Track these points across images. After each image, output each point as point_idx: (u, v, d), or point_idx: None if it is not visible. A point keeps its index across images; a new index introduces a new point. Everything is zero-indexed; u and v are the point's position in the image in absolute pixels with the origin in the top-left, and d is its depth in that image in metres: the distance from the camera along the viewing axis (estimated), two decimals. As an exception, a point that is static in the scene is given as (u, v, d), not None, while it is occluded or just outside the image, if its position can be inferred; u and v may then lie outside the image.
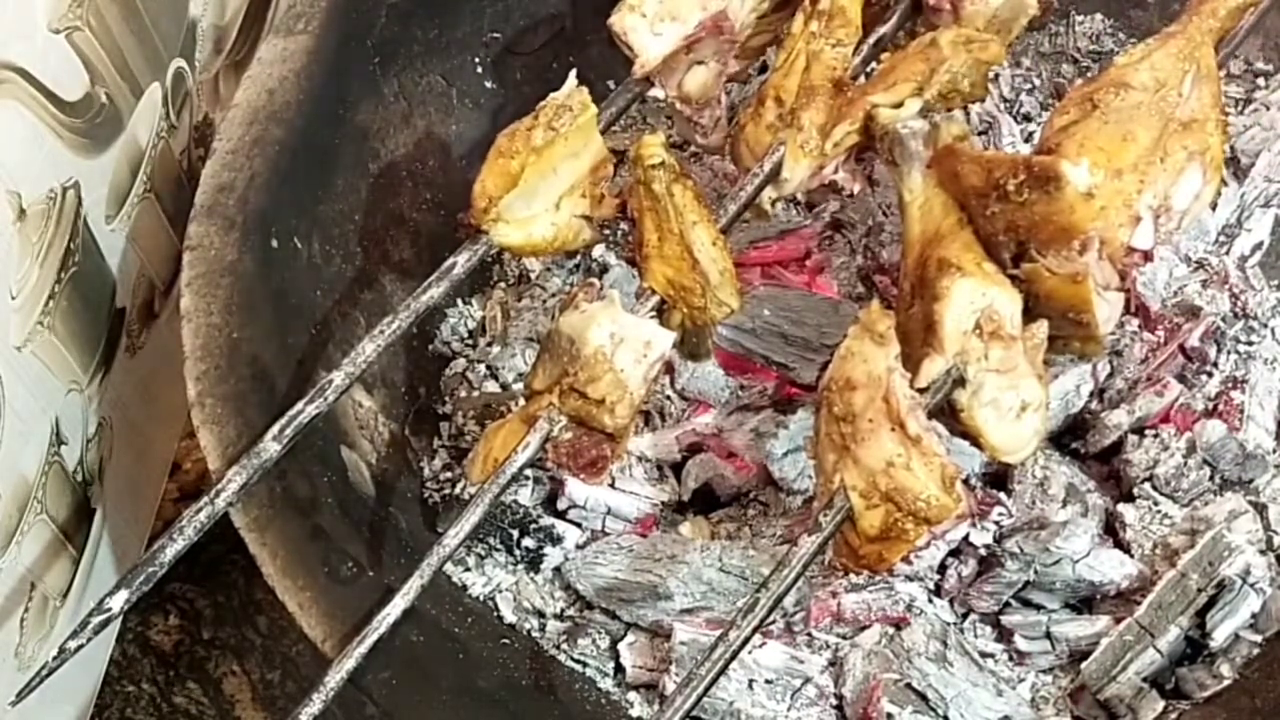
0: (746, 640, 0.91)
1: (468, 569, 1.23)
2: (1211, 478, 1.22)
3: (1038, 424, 0.98)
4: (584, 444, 1.00)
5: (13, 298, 1.05)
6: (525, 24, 1.47)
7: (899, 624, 1.17)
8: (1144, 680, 1.12)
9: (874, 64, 1.11)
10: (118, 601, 0.90)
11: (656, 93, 1.13)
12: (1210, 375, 1.27)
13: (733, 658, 0.90)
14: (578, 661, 1.19)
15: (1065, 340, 1.00)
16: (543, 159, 1.03)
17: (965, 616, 1.19)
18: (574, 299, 1.01)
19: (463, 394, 1.34)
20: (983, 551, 1.18)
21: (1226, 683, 1.12)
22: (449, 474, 1.29)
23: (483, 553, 1.24)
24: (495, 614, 1.21)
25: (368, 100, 1.32)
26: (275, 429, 0.97)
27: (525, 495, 1.26)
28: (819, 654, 1.17)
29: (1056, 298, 0.97)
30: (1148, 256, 1.02)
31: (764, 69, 1.39)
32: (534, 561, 1.23)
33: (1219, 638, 1.12)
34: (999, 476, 1.23)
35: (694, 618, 1.17)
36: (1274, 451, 1.25)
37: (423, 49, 1.39)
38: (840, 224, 1.40)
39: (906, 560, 1.09)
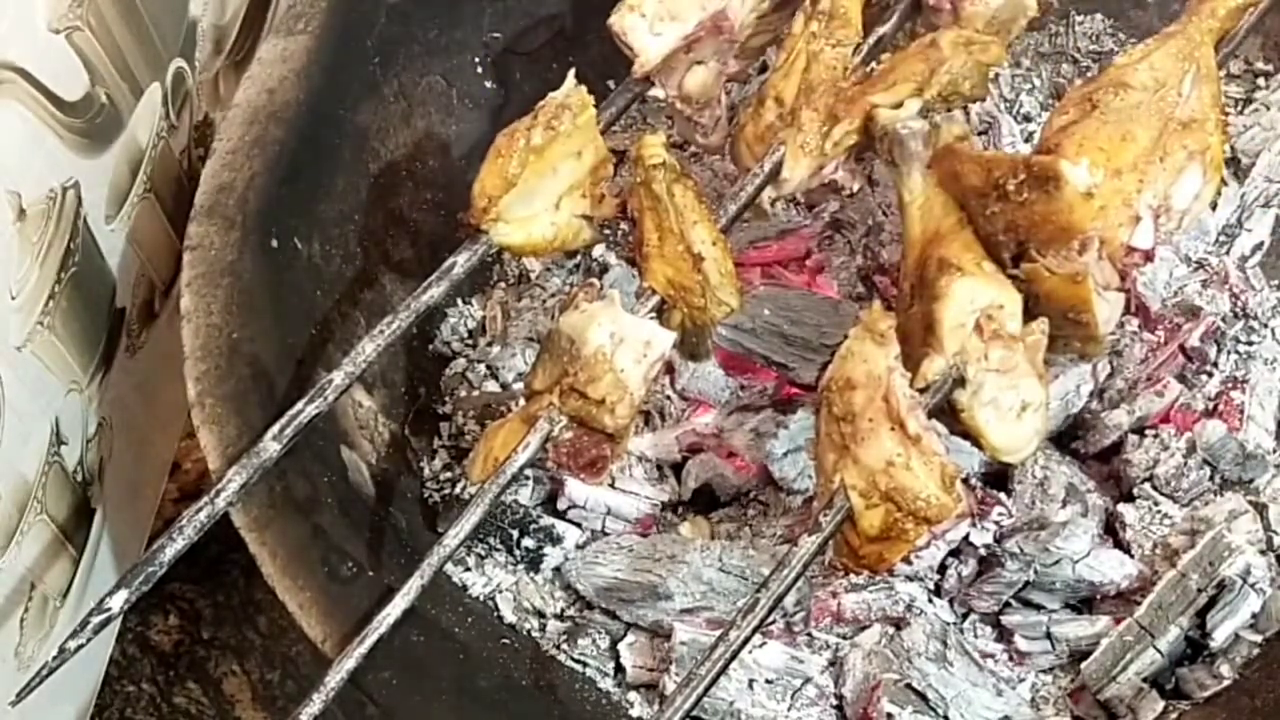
0: (746, 640, 0.91)
1: (468, 569, 1.23)
2: (1211, 478, 1.22)
3: (1038, 424, 0.98)
4: (584, 444, 1.00)
5: (13, 298, 1.05)
6: (525, 24, 1.47)
7: (899, 624, 1.17)
8: (1144, 680, 1.12)
9: (874, 64, 1.11)
10: (117, 601, 0.90)
11: (656, 93, 1.13)
12: (1210, 375, 1.27)
13: (733, 658, 0.90)
14: (578, 661, 1.19)
15: (1065, 340, 1.00)
16: (543, 159, 1.03)
17: (965, 616, 1.19)
18: (574, 299, 1.01)
19: (463, 394, 1.34)
20: (983, 551, 1.18)
21: (1226, 683, 1.12)
22: (449, 474, 1.29)
23: (483, 553, 1.24)
24: (495, 614, 1.21)
25: (368, 100, 1.32)
26: (275, 429, 0.97)
27: (525, 495, 1.26)
28: (819, 654, 1.17)
29: (1056, 298, 0.97)
30: (1148, 256, 1.02)
31: (764, 69, 1.39)
32: (534, 561, 1.23)
33: (1219, 638, 1.12)
34: (999, 476, 1.23)
35: (694, 618, 1.17)
36: (1274, 451, 1.25)
37: (423, 49, 1.39)
38: (840, 224, 1.40)
39: (906, 560, 1.09)
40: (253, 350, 1.11)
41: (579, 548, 1.24)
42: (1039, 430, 0.99)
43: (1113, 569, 1.16)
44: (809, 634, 1.18)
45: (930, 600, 1.19)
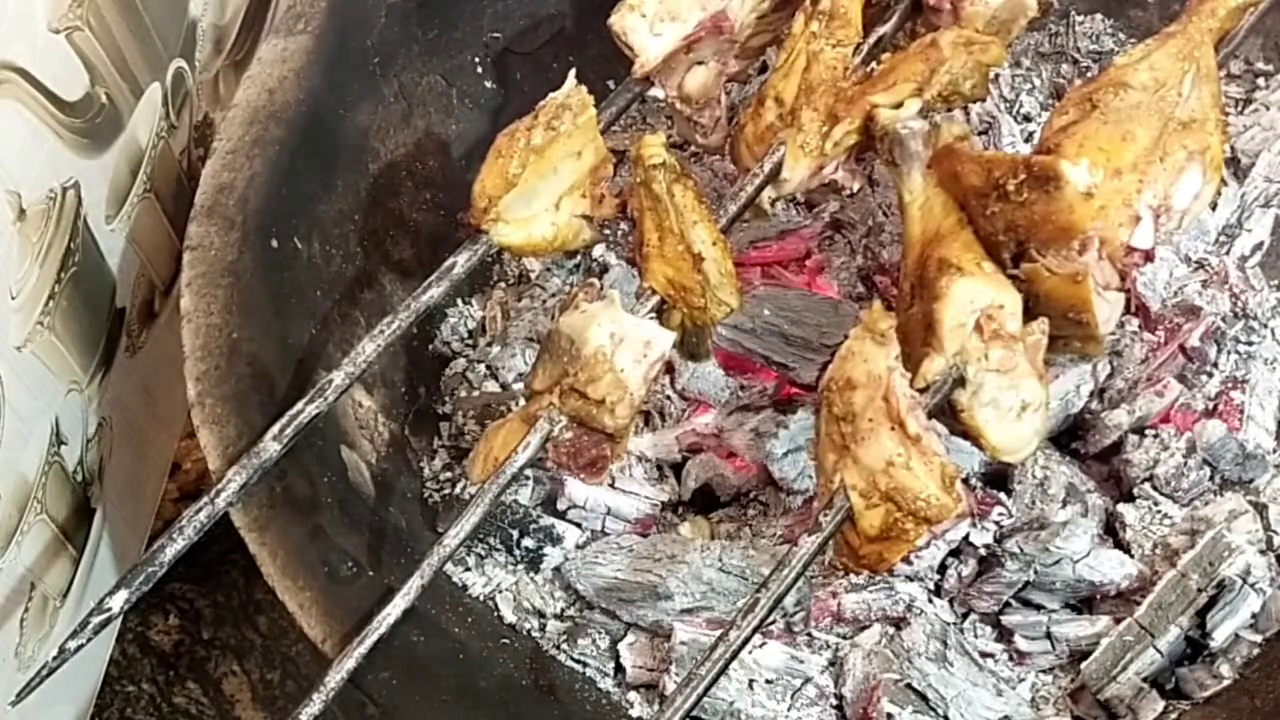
0: (746, 640, 0.91)
1: (468, 569, 1.23)
2: (1211, 478, 1.22)
3: (1038, 424, 0.98)
4: (584, 444, 1.00)
5: (13, 298, 1.05)
6: (525, 24, 1.47)
7: (899, 624, 1.17)
8: (1144, 680, 1.12)
9: (874, 64, 1.11)
10: (118, 601, 0.90)
11: (656, 93, 1.13)
12: (1210, 375, 1.27)
13: (733, 658, 0.90)
14: (578, 661, 1.19)
15: (1065, 340, 1.00)
16: (543, 159, 1.03)
17: (965, 616, 1.19)
18: (574, 299, 1.01)
19: (463, 394, 1.34)
20: (983, 551, 1.18)
21: (1226, 683, 1.12)
22: (449, 474, 1.29)
23: (483, 553, 1.24)
24: (495, 614, 1.21)
25: (368, 100, 1.32)
26: (275, 429, 0.97)
27: (525, 495, 1.26)
28: (819, 654, 1.17)
29: (1056, 298, 0.97)
30: (1148, 256, 1.02)
31: (764, 69, 1.39)
32: (534, 561, 1.23)
33: (1219, 638, 1.12)
34: (999, 476, 1.23)
35: (694, 618, 1.17)
36: (1274, 451, 1.25)
37: (423, 49, 1.39)
38: (840, 224, 1.40)
39: (906, 560, 1.09)
40: (253, 350, 1.11)
41: (579, 548, 1.24)
42: (1039, 430, 0.99)
43: (1113, 569, 1.16)
44: (809, 634, 1.18)
45: (930, 600, 1.19)
